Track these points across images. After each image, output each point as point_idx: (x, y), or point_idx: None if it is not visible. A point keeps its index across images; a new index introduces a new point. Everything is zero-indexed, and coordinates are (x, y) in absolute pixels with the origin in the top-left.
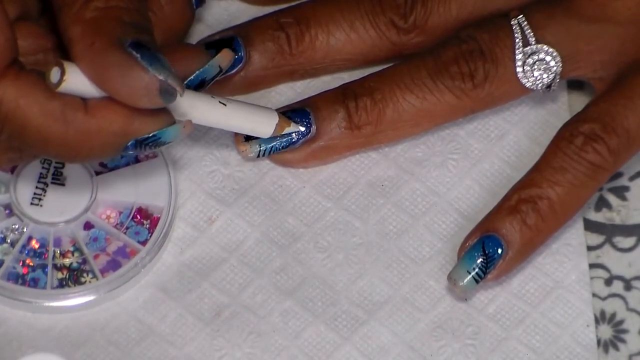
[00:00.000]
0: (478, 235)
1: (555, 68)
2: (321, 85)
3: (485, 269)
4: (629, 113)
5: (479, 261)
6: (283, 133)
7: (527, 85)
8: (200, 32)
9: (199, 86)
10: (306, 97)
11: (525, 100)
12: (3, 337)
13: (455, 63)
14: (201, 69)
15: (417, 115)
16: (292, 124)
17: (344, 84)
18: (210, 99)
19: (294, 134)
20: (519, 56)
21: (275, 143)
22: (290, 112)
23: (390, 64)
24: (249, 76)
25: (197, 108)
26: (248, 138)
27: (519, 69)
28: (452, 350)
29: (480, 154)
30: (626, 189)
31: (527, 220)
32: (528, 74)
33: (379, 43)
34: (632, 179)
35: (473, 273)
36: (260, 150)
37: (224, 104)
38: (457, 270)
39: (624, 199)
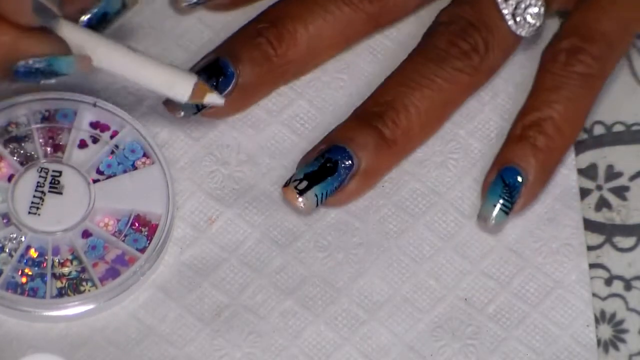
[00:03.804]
0: (495, 171)
1: (540, 9)
2: (321, 86)
3: (510, 199)
4: (601, 17)
5: (502, 193)
6: (205, 102)
7: (524, 34)
8: (199, 32)
9: (101, 20)
10: (302, 93)
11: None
12: (3, 338)
13: (454, 45)
14: (103, 2)
15: (441, 107)
16: (214, 93)
17: (358, 109)
18: (117, 42)
19: (341, 171)
20: (505, 12)
21: (327, 185)
22: (327, 152)
23: (391, 68)
24: (244, 89)
25: (100, 47)
26: (302, 192)
27: (510, 23)
28: (452, 350)
29: (480, 154)
30: (626, 189)
31: (537, 144)
32: (521, 23)
33: (355, 17)
34: (632, 179)
35: (500, 205)
36: (317, 198)
37: (133, 50)
38: (484, 208)
39: (624, 199)
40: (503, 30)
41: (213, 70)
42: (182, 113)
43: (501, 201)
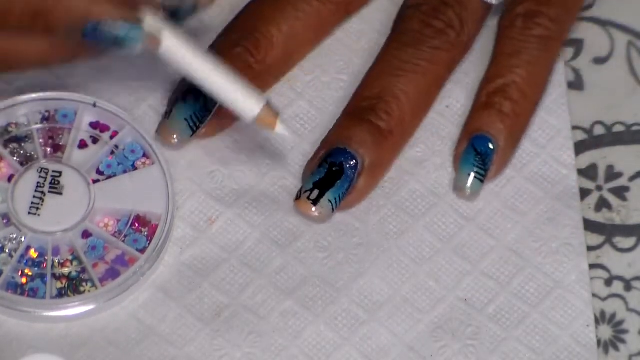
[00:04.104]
0: (466, 141)
1: None
2: (321, 86)
3: (484, 167)
4: None
5: (475, 162)
6: (273, 130)
7: (494, 1)
8: (199, 33)
9: (169, 16)
10: (302, 93)
11: None
12: (3, 338)
13: (428, 26)
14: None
15: (427, 89)
16: (282, 124)
17: (349, 107)
18: (196, 42)
19: (349, 172)
20: None
21: (338, 189)
22: (329, 156)
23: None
24: None
25: (174, 38)
26: (315, 201)
27: None
28: (452, 350)
29: None
30: (626, 189)
31: (503, 109)
32: None
33: (325, 10)
34: (632, 179)
35: (474, 174)
36: (331, 204)
37: (210, 56)
38: (459, 178)
39: (624, 199)
40: (474, 2)
41: (198, 92)
42: (176, 139)
43: (475, 169)
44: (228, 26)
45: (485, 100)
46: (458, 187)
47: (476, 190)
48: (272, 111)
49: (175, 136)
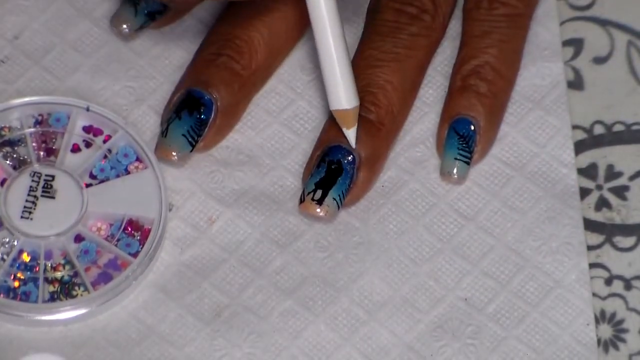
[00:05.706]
0: (447, 125)
1: None
2: (321, 86)
3: (468, 149)
4: None
5: (459, 145)
6: (347, 129)
7: None
8: (199, 32)
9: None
10: (302, 93)
11: (524, 101)
12: (3, 337)
13: (402, 13)
14: None
15: (411, 75)
16: (354, 134)
17: None
18: (339, 21)
19: (348, 167)
20: None
21: (340, 186)
22: (326, 155)
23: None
24: (226, 112)
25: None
26: (320, 201)
27: None
28: (452, 350)
29: None
30: (626, 188)
31: (480, 90)
32: None
33: (297, 4)
34: (632, 179)
35: (460, 157)
36: (336, 201)
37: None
38: (445, 163)
39: (624, 198)
40: None
41: (189, 104)
42: (175, 155)
43: (460, 153)
44: (205, 40)
45: (460, 83)
46: (445, 172)
47: (463, 174)
48: (355, 116)
49: (174, 153)
